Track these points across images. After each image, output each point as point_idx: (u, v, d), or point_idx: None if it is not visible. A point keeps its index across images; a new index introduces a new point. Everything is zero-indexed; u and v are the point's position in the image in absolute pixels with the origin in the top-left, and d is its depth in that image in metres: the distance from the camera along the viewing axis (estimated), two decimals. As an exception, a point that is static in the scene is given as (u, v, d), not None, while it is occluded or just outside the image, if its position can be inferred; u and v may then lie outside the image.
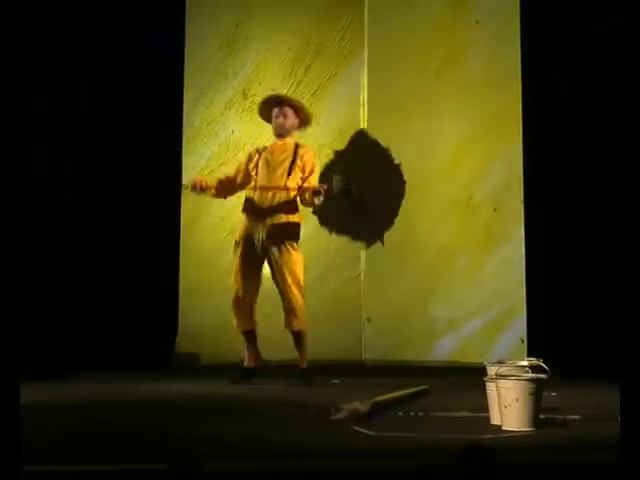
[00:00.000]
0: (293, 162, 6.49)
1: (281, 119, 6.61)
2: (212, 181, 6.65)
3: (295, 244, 6.45)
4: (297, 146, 6.60)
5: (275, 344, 6.57)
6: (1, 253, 3.15)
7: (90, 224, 7.30)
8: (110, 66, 7.40)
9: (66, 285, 7.07)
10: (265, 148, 6.67)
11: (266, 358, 6.65)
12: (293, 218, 6.48)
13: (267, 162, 6.53)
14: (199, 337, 7.50)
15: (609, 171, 6.54)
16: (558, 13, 7.26)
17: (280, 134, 6.63)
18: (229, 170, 6.83)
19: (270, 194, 6.46)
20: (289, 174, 6.48)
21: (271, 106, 6.68)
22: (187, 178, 6.61)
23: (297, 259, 6.43)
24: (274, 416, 5.03)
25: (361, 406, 4.86)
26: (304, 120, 6.71)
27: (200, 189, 6.55)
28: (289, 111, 6.62)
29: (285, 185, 6.45)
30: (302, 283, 6.44)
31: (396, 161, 7.82)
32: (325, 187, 6.30)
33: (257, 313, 6.54)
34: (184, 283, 7.62)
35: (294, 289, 6.37)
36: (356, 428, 4.47)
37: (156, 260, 7.43)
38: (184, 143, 7.72)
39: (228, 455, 3.83)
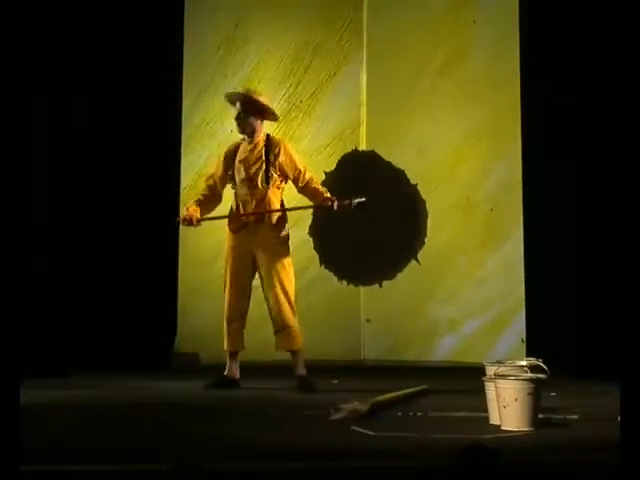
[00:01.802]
0: (267, 167, 6.17)
1: (241, 117, 6.21)
2: (195, 208, 6.27)
3: (286, 256, 6.21)
4: (267, 144, 6.23)
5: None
6: (2, 253, 3.15)
7: (90, 223, 7.29)
8: (109, 66, 7.40)
9: (66, 285, 7.07)
10: (237, 149, 6.30)
11: (266, 359, 6.64)
12: (281, 230, 6.22)
13: (244, 170, 6.21)
14: (198, 337, 7.50)
15: (608, 171, 6.53)
16: (558, 13, 7.26)
17: (244, 133, 6.25)
18: (208, 178, 6.44)
19: (254, 206, 6.19)
20: (267, 181, 6.17)
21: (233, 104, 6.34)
22: (181, 214, 6.38)
23: (289, 272, 6.19)
24: (274, 416, 5.04)
25: (361, 406, 4.86)
26: (263, 110, 6.29)
27: (190, 223, 6.25)
28: (247, 106, 6.21)
29: (267, 197, 6.16)
30: (293, 298, 6.18)
31: (411, 180, 7.84)
32: (347, 202, 6.11)
33: (257, 311, 6.51)
34: (183, 283, 7.62)
35: (287, 307, 6.14)
36: (356, 428, 4.47)
37: (156, 260, 7.43)
38: (183, 142, 7.72)
39: (228, 455, 3.84)
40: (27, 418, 3.45)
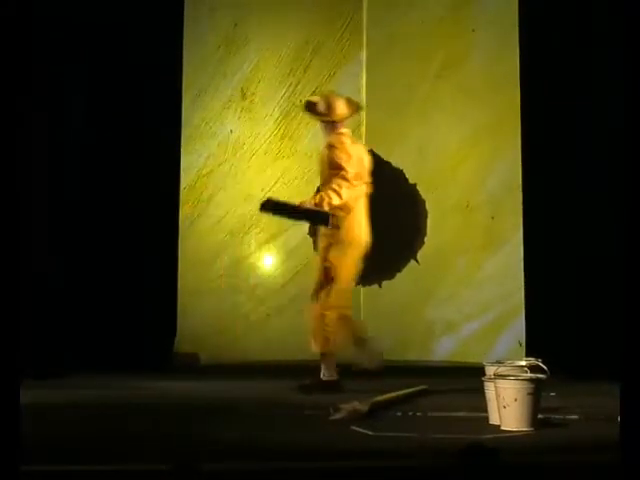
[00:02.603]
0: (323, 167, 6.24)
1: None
2: None
3: (326, 259, 6.10)
4: (326, 147, 6.28)
5: (277, 344, 6.56)
6: (2, 253, 3.15)
7: (90, 223, 7.29)
8: (109, 66, 7.40)
9: (66, 286, 7.07)
10: None
11: (267, 359, 6.64)
12: (326, 232, 6.14)
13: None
14: (198, 337, 7.50)
15: (608, 174, 6.53)
16: (557, 15, 7.25)
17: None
18: None
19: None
20: (321, 180, 6.25)
21: None
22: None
23: (321, 276, 6.11)
24: (274, 416, 5.04)
25: (360, 406, 4.87)
26: (324, 112, 6.27)
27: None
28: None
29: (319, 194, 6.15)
30: (327, 303, 6.06)
31: (411, 181, 7.83)
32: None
33: (258, 312, 6.50)
34: (183, 283, 7.61)
35: (311, 312, 6.12)
36: (355, 428, 4.48)
37: (155, 260, 7.42)
38: (183, 142, 7.71)
39: (228, 455, 3.84)
40: (27, 418, 3.46)
